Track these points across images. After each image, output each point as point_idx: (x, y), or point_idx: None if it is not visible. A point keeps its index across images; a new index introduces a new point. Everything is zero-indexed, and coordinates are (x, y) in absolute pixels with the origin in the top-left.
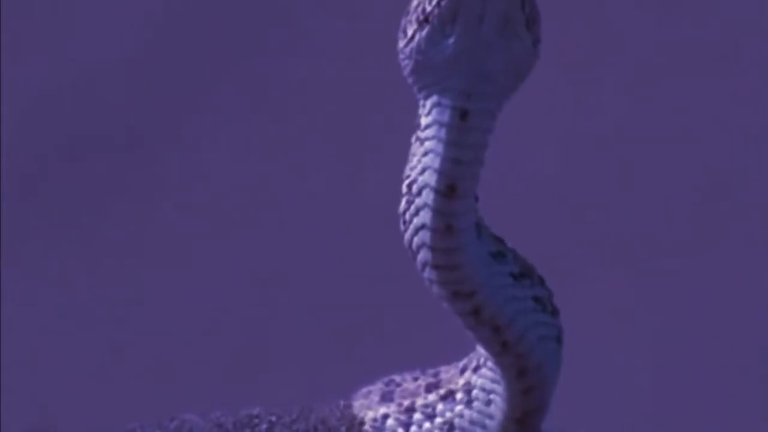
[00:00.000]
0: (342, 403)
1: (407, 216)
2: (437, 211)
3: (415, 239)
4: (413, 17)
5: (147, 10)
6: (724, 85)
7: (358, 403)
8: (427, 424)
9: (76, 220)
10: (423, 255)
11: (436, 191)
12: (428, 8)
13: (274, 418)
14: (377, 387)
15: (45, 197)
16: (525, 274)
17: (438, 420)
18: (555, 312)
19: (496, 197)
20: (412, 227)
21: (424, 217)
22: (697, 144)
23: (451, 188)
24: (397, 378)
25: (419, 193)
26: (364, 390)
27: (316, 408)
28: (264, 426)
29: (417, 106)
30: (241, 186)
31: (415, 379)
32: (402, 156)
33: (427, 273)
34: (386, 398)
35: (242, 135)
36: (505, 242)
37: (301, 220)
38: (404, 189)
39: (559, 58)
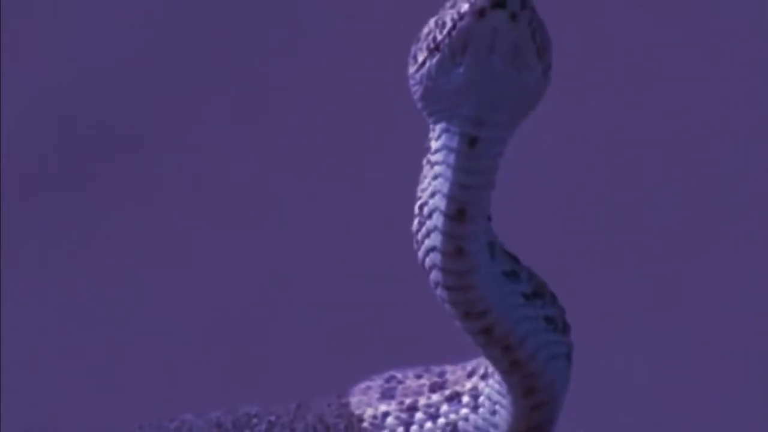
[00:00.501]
0: (338, 399)
1: (419, 237)
2: (447, 235)
3: (427, 260)
4: (424, 45)
5: (147, 10)
6: (724, 85)
7: (356, 399)
8: (429, 424)
9: (76, 220)
10: (435, 275)
11: (446, 215)
12: (439, 37)
13: (273, 418)
14: (377, 383)
15: (45, 197)
16: (537, 293)
17: (441, 420)
18: (566, 329)
19: (495, 198)
20: (423, 248)
21: (435, 239)
22: (697, 144)
23: (460, 212)
24: (398, 375)
25: (430, 216)
26: (363, 385)
27: (314, 405)
28: (263, 426)
29: (417, 108)
30: (242, 186)
31: (418, 377)
32: (401, 156)
33: (439, 292)
34: (387, 395)
35: (242, 135)
36: (519, 260)
37: (301, 220)
38: (416, 210)
39: (560, 58)
